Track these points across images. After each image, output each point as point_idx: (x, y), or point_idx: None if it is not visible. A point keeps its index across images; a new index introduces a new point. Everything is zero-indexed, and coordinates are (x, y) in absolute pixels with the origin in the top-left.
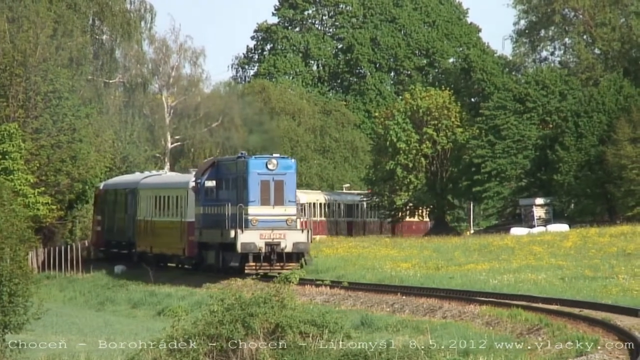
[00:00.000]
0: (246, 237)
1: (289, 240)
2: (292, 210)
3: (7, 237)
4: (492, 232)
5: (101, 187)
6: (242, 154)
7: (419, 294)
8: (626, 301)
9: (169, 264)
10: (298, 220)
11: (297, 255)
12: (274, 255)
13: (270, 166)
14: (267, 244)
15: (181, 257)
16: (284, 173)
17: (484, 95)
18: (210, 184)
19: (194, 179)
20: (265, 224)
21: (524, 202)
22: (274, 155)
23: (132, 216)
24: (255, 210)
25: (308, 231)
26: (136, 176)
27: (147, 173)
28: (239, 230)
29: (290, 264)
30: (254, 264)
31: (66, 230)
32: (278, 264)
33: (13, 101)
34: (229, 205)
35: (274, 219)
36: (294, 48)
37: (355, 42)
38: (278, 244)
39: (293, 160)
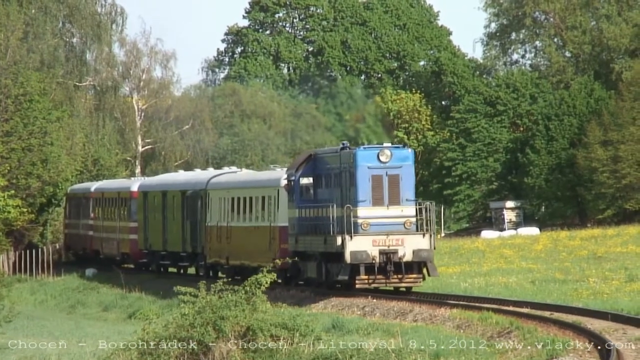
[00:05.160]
0: (356, 245)
1: (407, 247)
2: (410, 210)
3: None
4: (462, 235)
5: (135, 189)
6: (344, 144)
7: (389, 297)
8: (597, 304)
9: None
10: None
11: (418, 265)
12: (390, 265)
13: (382, 158)
14: (381, 253)
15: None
16: (400, 166)
17: (455, 98)
18: (307, 181)
19: (285, 176)
20: (379, 228)
21: (495, 205)
22: (386, 144)
23: (196, 222)
24: (366, 212)
25: (431, 235)
26: (197, 175)
27: (214, 171)
28: (347, 237)
29: (411, 275)
30: (366, 276)
31: (37, 233)
32: (396, 276)
33: None
34: (334, 206)
35: (389, 221)
36: (265, 51)
37: (326, 45)
38: (395, 252)
39: (410, 149)
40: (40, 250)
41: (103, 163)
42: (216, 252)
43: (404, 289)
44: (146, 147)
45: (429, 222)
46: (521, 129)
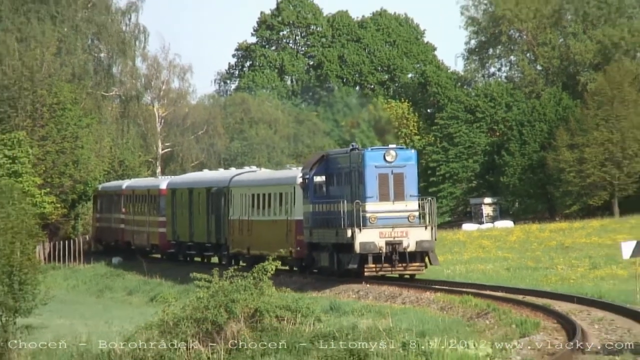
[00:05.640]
0: (365, 237)
1: (411, 238)
2: (413, 205)
3: (17, 232)
4: (445, 228)
5: (163, 187)
6: (353, 145)
7: (381, 282)
8: (564, 289)
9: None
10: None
11: (420, 255)
12: (395, 255)
13: (388, 158)
14: (387, 243)
15: (287, 258)
16: (404, 165)
17: (439, 106)
18: (320, 179)
19: (301, 174)
20: (385, 222)
21: (474, 201)
22: (391, 145)
23: (220, 216)
24: (373, 206)
25: (432, 228)
26: (221, 174)
27: (236, 170)
28: (356, 229)
29: (414, 264)
30: (373, 265)
31: (69, 226)
32: (400, 265)
33: (22, 112)
34: (344, 202)
35: (395, 215)
36: (271, 65)
37: (325, 60)
38: (400, 243)
39: (413, 150)
40: (72, 241)
41: (127, 164)
42: (238, 243)
43: (408, 276)
44: (165, 150)
45: (430, 215)
46: (497, 133)
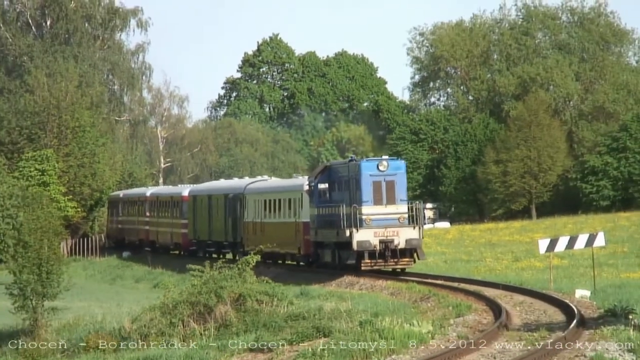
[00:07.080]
0: (361, 236)
1: (401, 237)
2: (403, 208)
3: (45, 231)
4: None
5: (185, 194)
6: (352, 157)
7: (342, 272)
8: (491, 278)
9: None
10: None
11: (410, 251)
12: (388, 251)
13: (381, 167)
14: (381, 242)
15: (296, 255)
16: (395, 173)
17: (389, 129)
18: (323, 186)
19: (307, 182)
20: (379, 223)
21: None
22: (384, 157)
23: (236, 219)
24: (368, 209)
25: (420, 227)
26: (236, 182)
27: (250, 179)
28: (354, 230)
29: (404, 259)
30: (369, 260)
31: (88, 226)
32: (392, 260)
33: (50, 133)
34: (344, 206)
35: (387, 217)
36: (252, 95)
37: (297, 91)
38: (392, 241)
39: (403, 161)
40: (89, 238)
41: (136, 176)
42: (252, 241)
43: (399, 270)
44: (167, 164)
45: (417, 217)
46: (437, 151)
